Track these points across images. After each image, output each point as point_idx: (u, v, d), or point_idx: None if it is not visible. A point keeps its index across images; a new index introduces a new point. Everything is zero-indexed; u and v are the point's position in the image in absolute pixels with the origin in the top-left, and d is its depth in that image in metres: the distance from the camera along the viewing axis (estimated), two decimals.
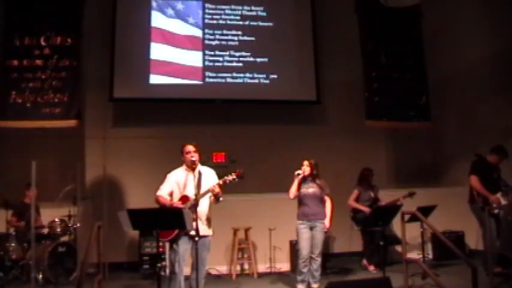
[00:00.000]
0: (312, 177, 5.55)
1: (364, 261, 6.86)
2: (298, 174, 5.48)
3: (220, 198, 4.59)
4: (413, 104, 8.23)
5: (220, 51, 8.08)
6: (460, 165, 7.17)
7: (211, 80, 8.00)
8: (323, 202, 5.55)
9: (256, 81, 8.12)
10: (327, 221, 5.50)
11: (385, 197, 6.96)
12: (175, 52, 7.94)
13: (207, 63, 8.02)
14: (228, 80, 8.03)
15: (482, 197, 5.66)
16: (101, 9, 7.87)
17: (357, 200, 6.82)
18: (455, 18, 8.22)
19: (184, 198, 4.58)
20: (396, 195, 6.80)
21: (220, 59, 8.08)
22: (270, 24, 8.31)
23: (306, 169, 5.53)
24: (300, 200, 5.51)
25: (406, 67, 8.31)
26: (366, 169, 6.96)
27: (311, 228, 5.44)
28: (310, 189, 5.48)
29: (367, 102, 8.04)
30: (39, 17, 7.25)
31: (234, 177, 4.56)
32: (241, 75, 8.09)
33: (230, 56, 8.10)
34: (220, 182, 4.56)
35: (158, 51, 7.86)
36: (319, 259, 5.45)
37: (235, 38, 8.16)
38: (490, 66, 7.44)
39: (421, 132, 8.41)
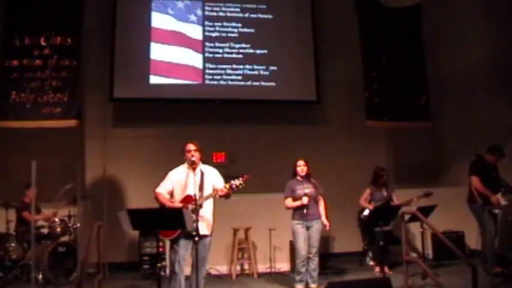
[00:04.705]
0: (307, 176, 5.55)
1: (371, 262, 6.93)
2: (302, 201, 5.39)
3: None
4: (413, 104, 8.21)
5: (220, 42, 8.11)
6: (460, 165, 7.16)
7: (211, 71, 8.03)
8: (317, 202, 5.56)
9: (255, 72, 8.14)
10: (325, 220, 5.50)
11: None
12: (176, 52, 7.94)
13: (207, 54, 8.05)
14: (228, 71, 8.06)
15: (483, 197, 5.66)
16: (101, 9, 7.87)
17: (370, 199, 6.66)
18: (455, 18, 8.22)
19: (187, 198, 4.53)
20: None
21: (220, 50, 8.11)
22: (270, 16, 8.35)
23: (303, 169, 5.53)
24: (297, 200, 5.48)
25: (406, 67, 8.30)
26: (379, 168, 6.77)
27: (307, 228, 5.43)
28: (307, 189, 5.46)
29: (367, 102, 8.03)
30: (39, 17, 7.24)
31: (241, 182, 4.48)
32: (241, 66, 8.11)
33: (230, 47, 8.13)
34: (227, 186, 4.51)
35: (158, 51, 7.87)
36: (316, 259, 5.44)
37: (235, 30, 8.20)
38: (490, 66, 7.44)
39: (421, 132, 8.41)
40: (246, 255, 6.90)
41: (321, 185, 5.62)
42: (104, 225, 5.19)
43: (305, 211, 5.37)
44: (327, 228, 5.55)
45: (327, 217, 5.56)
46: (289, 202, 5.52)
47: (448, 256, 6.39)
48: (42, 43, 7.20)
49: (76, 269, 6.08)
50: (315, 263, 5.43)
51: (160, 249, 6.71)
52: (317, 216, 5.48)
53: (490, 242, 5.42)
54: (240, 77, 8.10)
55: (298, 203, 5.42)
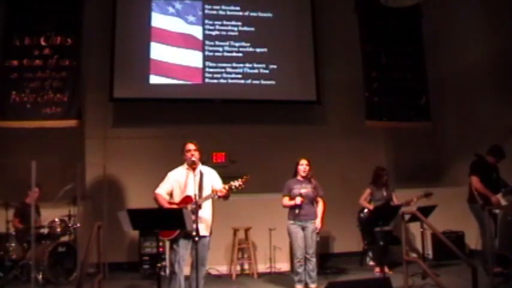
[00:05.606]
0: (307, 177, 5.55)
1: (371, 262, 6.92)
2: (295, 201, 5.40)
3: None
4: (413, 104, 8.23)
5: (220, 41, 8.12)
6: (460, 165, 7.16)
7: (211, 69, 8.03)
8: (315, 203, 5.55)
9: (255, 71, 8.15)
10: (318, 222, 5.49)
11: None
12: (176, 52, 7.94)
13: (207, 53, 8.05)
14: (228, 69, 8.07)
15: (484, 197, 5.66)
16: (101, 9, 7.87)
17: (370, 199, 6.66)
18: (455, 18, 8.22)
19: (187, 199, 4.54)
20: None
21: (220, 49, 8.12)
22: (270, 15, 8.36)
23: (306, 168, 5.53)
24: (292, 199, 5.48)
25: (406, 67, 8.31)
26: (379, 168, 6.77)
27: (303, 229, 5.43)
28: (303, 189, 5.47)
29: (367, 102, 8.04)
30: (39, 17, 7.24)
31: (240, 183, 4.46)
32: (241, 65, 8.12)
33: (230, 46, 8.14)
34: (226, 187, 4.50)
35: (158, 51, 7.87)
36: (314, 259, 5.44)
37: (235, 29, 8.21)
38: (490, 66, 7.44)
39: (421, 132, 8.41)
40: (246, 255, 6.89)
41: (321, 186, 5.61)
42: (104, 225, 5.19)
43: (297, 211, 5.38)
44: (317, 231, 5.52)
45: (322, 219, 5.55)
46: (286, 201, 5.53)
47: (448, 256, 6.39)
48: (42, 43, 7.21)
49: (76, 269, 6.08)
50: (313, 263, 5.43)
51: (160, 249, 6.71)
52: (313, 217, 5.47)
53: (490, 242, 5.42)
54: (240, 75, 8.10)
55: (292, 202, 5.42)
